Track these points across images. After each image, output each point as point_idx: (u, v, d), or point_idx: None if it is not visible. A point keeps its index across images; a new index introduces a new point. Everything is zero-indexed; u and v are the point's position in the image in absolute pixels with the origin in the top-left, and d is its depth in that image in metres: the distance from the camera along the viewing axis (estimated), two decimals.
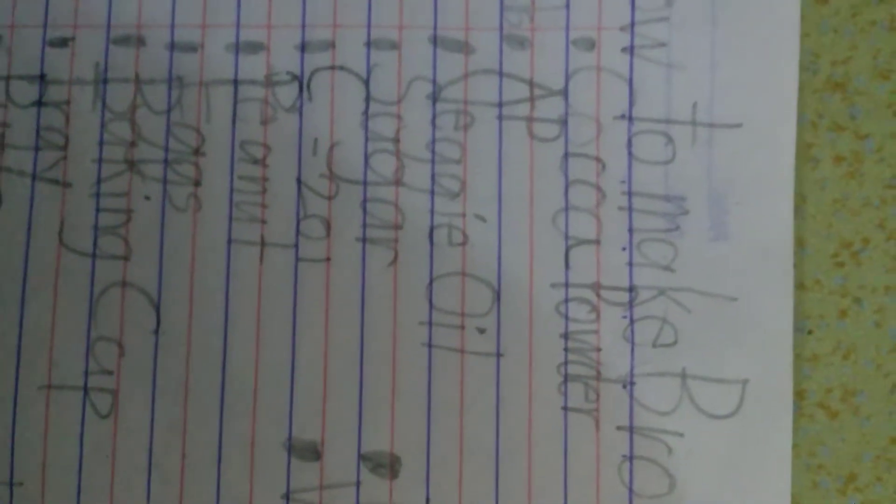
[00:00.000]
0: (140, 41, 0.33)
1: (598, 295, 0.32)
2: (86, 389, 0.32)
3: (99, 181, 0.33)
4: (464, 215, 0.32)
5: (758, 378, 0.31)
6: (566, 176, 0.32)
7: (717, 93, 0.32)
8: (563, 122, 0.32)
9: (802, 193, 0.33)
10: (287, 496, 0.31)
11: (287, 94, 0.33)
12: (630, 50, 0.33)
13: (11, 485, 0.32)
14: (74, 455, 0.32)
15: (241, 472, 0.32)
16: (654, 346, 0.32)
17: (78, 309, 0.32)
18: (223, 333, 0.32)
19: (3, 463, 0.32)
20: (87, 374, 0.32)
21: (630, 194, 0.32)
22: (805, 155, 0.33)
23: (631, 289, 0.32)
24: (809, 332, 0.33)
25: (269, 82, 0.33)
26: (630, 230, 0.32)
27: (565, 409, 0.32)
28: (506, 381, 0.32)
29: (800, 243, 0.33)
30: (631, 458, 0.31)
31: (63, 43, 0.33)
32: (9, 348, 0.32)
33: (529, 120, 0.32)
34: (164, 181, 0.33)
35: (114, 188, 0.33)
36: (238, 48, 0.33)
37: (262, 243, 0.32)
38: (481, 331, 0.32)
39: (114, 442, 0.32)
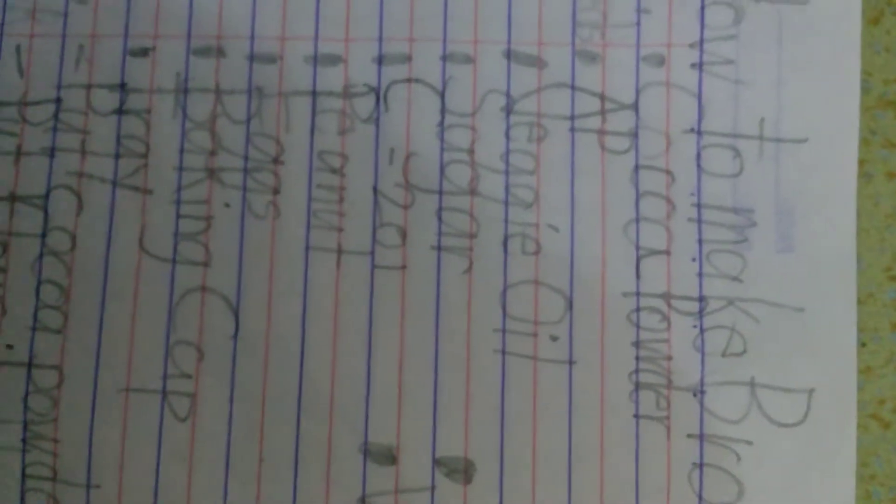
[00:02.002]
0: (220, 52, 0.31)
1: (669, 304, 0.30)
2: (164, 393, 0.30)
3: (179, 188, 0.31)
4: (537, 225, 0.30)
5: (823, 387, 0.30)
6: (637, 187, 0.30)
7: (784, 109, 0.31)
8: (634, 135, 0.30)
9: (856, 209, 0.31)
10: (362, 500, 0.29)
11: (364, 105, 0.31)
12: (699, 66, 0.31)
13: (88, 487, 0.30)
14: (152, 458, 0.30)
15: (318, 476, 0.29)
16: (723, 355, 0.30)
17: (157, 313, 0.30)
18: (300, 338, 0.30)
19: (81, 465, 0.30)
20: (165, 377, 0.30)
21: (699, 206, 0.30)
22: (858, 171, 0.31)
23: (701, 299, 0.30)
24: (863, 345, 0.31)
25: (347, 94, 0.31)
26: (699, 241, 0.30)
27: (637, 416, 0.29)
28: (578, 388, 0.30)
29: None
30: (701, 465, 0.29)
31: (143, 53, 0.31)
32: (89, 351, 0.30)
33: (601, 133, 0.30)
34: (244, 189, 0.30)
35: (194, 195, 0.31)
36: (317, 60, 0.31)
37: (339, 251, 0.30)
38: (554, 338, 0.30)
39: (191, 445, 0.30)
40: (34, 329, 0.30)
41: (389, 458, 0.29)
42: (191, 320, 0.30)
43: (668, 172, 0.30)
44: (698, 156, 0.30)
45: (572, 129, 0.31)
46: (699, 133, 0.30)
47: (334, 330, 0.30)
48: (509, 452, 0.29)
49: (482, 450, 0.29)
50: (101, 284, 0.30)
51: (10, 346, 0.30)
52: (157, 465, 0.30)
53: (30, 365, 0.30)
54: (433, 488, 0.29)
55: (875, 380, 0.31)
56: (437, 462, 0.29)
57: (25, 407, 0.30)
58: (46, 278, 0.30)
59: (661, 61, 0.31)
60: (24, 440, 0.30)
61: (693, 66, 0.31)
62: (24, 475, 0.30)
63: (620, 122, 0.31)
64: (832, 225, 0.30)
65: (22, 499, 0.30)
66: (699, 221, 0.30)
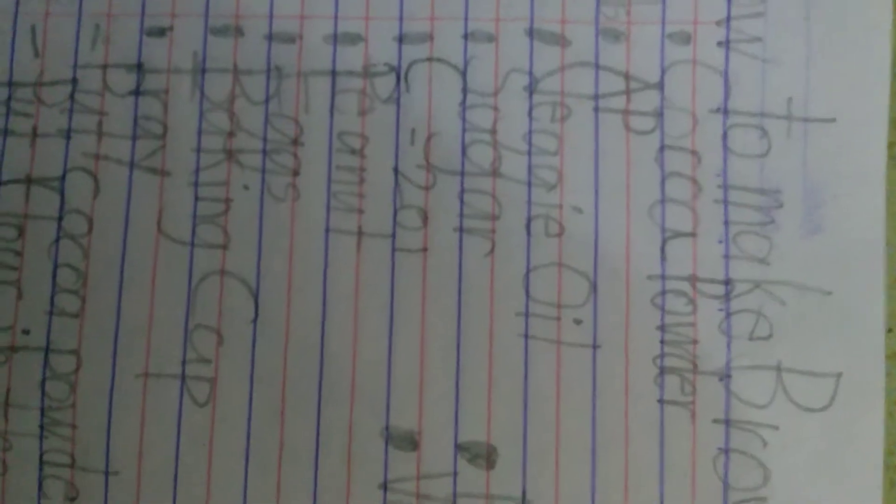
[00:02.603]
0: (238, 31, 0.30)
1: (695, 287, 0.29)
2: (183, 377, 0.29)
3: (197, 170, 0.29)
4: (561, 206, 0.29)
5: (850, 372, 0.28)
6: (662, 168, 0.29)
7: (812, 88, 0.29)
8: (659, 115, 0.29)
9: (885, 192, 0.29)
10: (384, 486, 0.28)
11: (385, 85, 0.30)
12: (725, 44, 0.29)
13: (107, 473, 0.29)
14: (171, 444, 0.29)
15: (339, 461, 0.28)
16: (750, 338, 0.28)
17: (176, 297, 0.29)
18: (321, 322, 0.29)
19: (99, 452, 0.29)
20: (184, 362, 0.29)
21: (725, 187, 0.29)
22: (887, 154, 0.30)
23: (727, 282, 0.29)
24: (890, 331, 0.29)
25: (367, 73, 0.30)
26: (726, 223, 0.29)
27: (661, 401, 0.28)
28: (602, 372, 0.28)
29: None
30: (726, 450, 0.28)
31: (161, 32, 0.30)
32: (107, 336, 0.29)
33: (625, 112, 0.29)
34: (263, 171, 0.29)
35: (212, 177, 0.29)
36: (336, 39, 0.30)
37: (360, 233, 0.29)
38: (578, 322, 0.29)
39: (211, 430, 0.29)
40: (51, 313, 0.29)
41: (411, 443, 0.28)
42: (210, 304, 0.29)
43: (694, 153, 0.29)
44: (725, 136, 0.29)
45: (596, 109, 0.29)
46: (726, 112, 0.29)
47: (355, 313, 0.29)
48: (532, 438, 0.28)
49: (505, 435, 0.28)
50: (118, 268, 0.29)
51: (26, 331, 0.29)
52: (177, 450, 0.29)
53: (47, 350, 0.29)
54: (455, 474, 0.28)
55: None
56: (459, 447, 0.28)
57: (43, 393, 0.29)
58: (63, 262, 0.29)
59: (686, 39, 0.29)
60: (41, 426, 0.29)
61: (720, 44, 0.29)
62: (41, 462, 0.29)
63: (645, 102, 0.29)
64: (860, 207, 0.29)
65: (40, 486, 0.29)
66: (725, 203, 0.29)
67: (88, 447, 0.29)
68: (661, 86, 0.29)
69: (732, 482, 0.28)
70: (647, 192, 0.29)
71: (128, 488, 0.28)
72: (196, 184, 0.29)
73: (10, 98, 0.30)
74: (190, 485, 0.28)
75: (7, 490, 0.29)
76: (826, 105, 0.29)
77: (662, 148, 0.29)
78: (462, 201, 0.29)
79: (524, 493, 0.28)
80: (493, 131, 0.29)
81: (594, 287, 0.29)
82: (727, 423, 0.28)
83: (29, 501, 0.29)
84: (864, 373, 0.28)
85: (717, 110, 0.29)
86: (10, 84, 0.30)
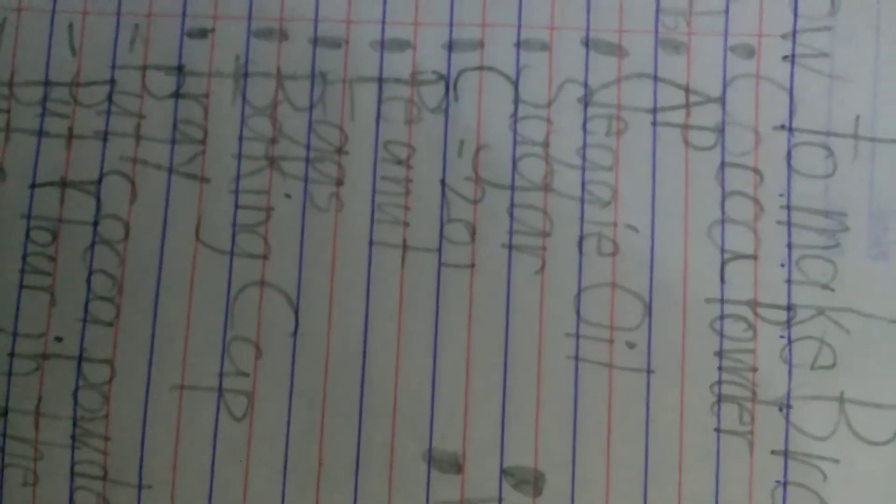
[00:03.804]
0: (282, 35, 0.27)
1: (755, 312, 0.26)
2: (220, 391, 0.26)
3: (238, 177, 0.27)
4: (615, 224, 0.26)
5: None
6: (723, 187, 0.26)
7: (880, 106, 0.27)
8: (720, 131, 0.27)
9: None
10: None
11: (433, 93, 0.27)
12: (791, 58, 0.27)
13: (140, 487, 0.26)
14: (207, 458, 0.26)
15: (380, 482, 0.26)
16: (812, 367, 0.26)
17: (214, 308, 0.27)
18: (363, 338, 0.26)
19: (133, 465, 0.26)
20: (222, 374, 0.27)
21: (789, 208, 0.26)
22: None
23: (789, 307, 0.26)
24: None
25: (415, 81, 0.27)
26: (789, 246, 0.26)
27: (718, 430, 0.26)
28: (656, 398, 0.26)
29: None
30: (785, 483, 0.26)
31: (202, 34, 0.28)
32: (142, 346, 0.27)
33: (685, 127, 0.27)
34: (306, 179, 0.27)
35: (253, 185, 0.27)
36: (383, 45, 0.27)
37: (405, 246, 0.27)
38: (631, 345, 0.26)
39: (248, 446, 0.26)
40: (85, 321, 0.27)
41: (455, 466, 0.26)
42: (249, 316, 0.27)
43: (757, 171, 0.26)
44: (789, 154, 0.27)
45: (654, 123, 0.27)
46: (790, 130, 0.27)
47: (398, 330, 0.26)
48: (581, 464, 0.26)
49: (553, 461, 0.26)
50: (155, 276, 0.27)
51: (59, 339, 0.27)
52: (212, 466, 0.26)
53: (80, 359, 0.27)
54: (500, 500, 0.26)
55: None
56: (504, 472, 0.26)
57: (75, 402, 0.27)
58: (98, 268, 0.27)
59: (750, 52, 0.27)
60: (73, 437, 0.27)
61: (785, 58, 0.27)
62: (73, 473, 0.27)
63: (706, 117, 0.27)
64: None
65: (71, 498, 0.26)
66: (788, 224, 0.26)
67: (121, 460, 0.26)
68: (722, 100, 0.27)
69: None
70: (707, 211, 0.26)
71: (161, 502, 0.26)
72: (236, 191, 0.27)
73: (45, 98, 0.28)
74: (225, 501, 0.26)
75: (38, 501, 0.27)
76: (895, 124, 0.27)
77: (723, 165, 0.27)
78: (512, 216, 0.27)
79: None
80: (546, 144, 0.27)
81: (649, 309, 0.26)
82: (786, 454, 0.26)
83: None
84: None
85: (782, 127, 0.27)
86: (46, 83, 0.28)
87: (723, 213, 0.26)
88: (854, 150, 0.26)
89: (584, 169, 0.27)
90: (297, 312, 0.27)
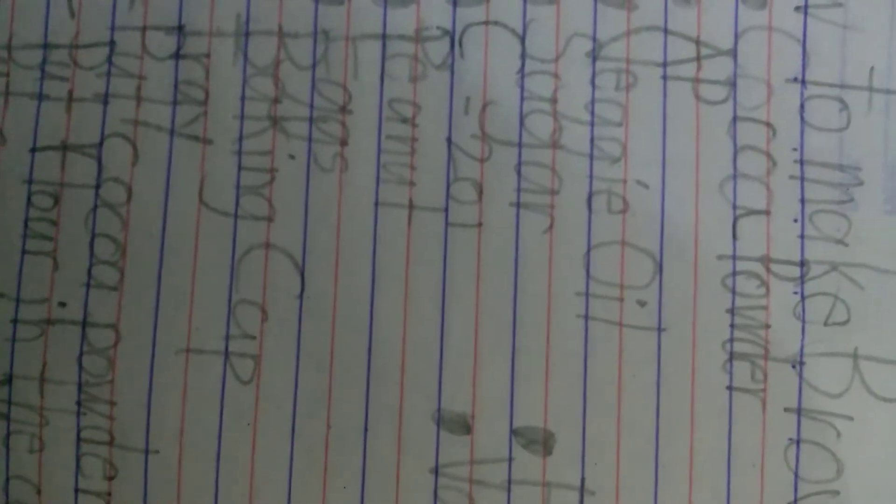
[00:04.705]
0: None
1: (768, 269, 0.25)
2: (227, 354, 0.25)
3: (241, 138, 0.26)
4: (625, 181, 0.25)
5: None
6: (735, 141, 0.25)
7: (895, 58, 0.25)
8: (732, 84, 0.25)
9: None
10: (436, 470, 0.25)
11: (438, 50, 0.26)
12: (804, 9, 0.25)
13: (147, 452, 0.25)
14: (213, 423, 0.25)
15: (388, 444, 0.25)
16: (825, 324, 0.25)
17: (219, 271, 0.26)
18: (370, 299, 0.25)
19: (139, 429, 0.25)
20: (228, 338, 0.25)
21: (802, 162, 0.25)
22: None
23: (802, 263, 0.25)
24: None
25: (419, 38, 0.26)
26: (802, 201, 0.25)
27: (730, 388, 0.25)
28: (667, 357, 0.25)
29: None
30: (798, 441, 0.25)
31: None
32: (147, 310, 0.26)
33: (696, 81, 0.25)
34: (310, 140, 0.26)
35: (256, 146, 0.26)
36: (386, 1, 0.26)
37: (411, 206, 0.25)
38: (642, 304, 0.25)
39: (255, 409, 0.25)
40: (88, 286, 0.26)
41: (464, 426, 0.25)
42: (254, 278, 0.26)
43: (769, 125, 0.25)
44: (802, 107, 0.25)
45: (664, 77, 0.25)
46: (803, 83, 0.25)
47: (405, 290, 0.25)
48: (592, 424, 0.25)
49: (563, 420, 0.25)
50: (158, 239, 0.26)
51: (63, 304, 0.26)
52: (219, 430, 0.25)
53: (84, 323, 0.26)
54: (510, 460, 0.25)
55: None
56: (514, 432, 0.25)
57: (80, 368, 0.26)
58: (101, 232, 0.26)
59: (762, 3, 0.25)
60: (78, 402, 0.26)
61: (797, 8, 0.25)
62: (79, 439, 0.26)
63: (717, 70, 0.25)
64: None
65: (77, 464, 0.25)
66: (802, 179, 0.25)
67: (127, 424, 0.25)
68: (734, 53, 0.25)
69: (804, 474, 0.25)
70: (718, 166, 0.25)
71: (168, 468, 0.25)
72: (239, 152, 0.26)
73: (44, 61, 0.26)
74: (233, 465, 0.25)
75: (44, 467, 0.26)
76: None
77: (735, 119, 0.25)
78: (519, 174, 0.25)
79: (583, 481, 0.25)
80: (554, 100, 0.25)
81: (660, 267, 0.25)
82: (799, 412, 0.25)
83: (66, 480, 0.26)
84: None
85: (794, 80, 0.25)
86: (45, 46, 0.26)
87: (735, 168, 0.25)
88: (868, 103, 0.25)
89: (592, 125, 0.25)
90: (302, 274, 0.25)
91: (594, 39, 0.26)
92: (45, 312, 0.26)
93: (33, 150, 0.26)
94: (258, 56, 0.26)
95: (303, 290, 0.25)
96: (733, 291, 0.25)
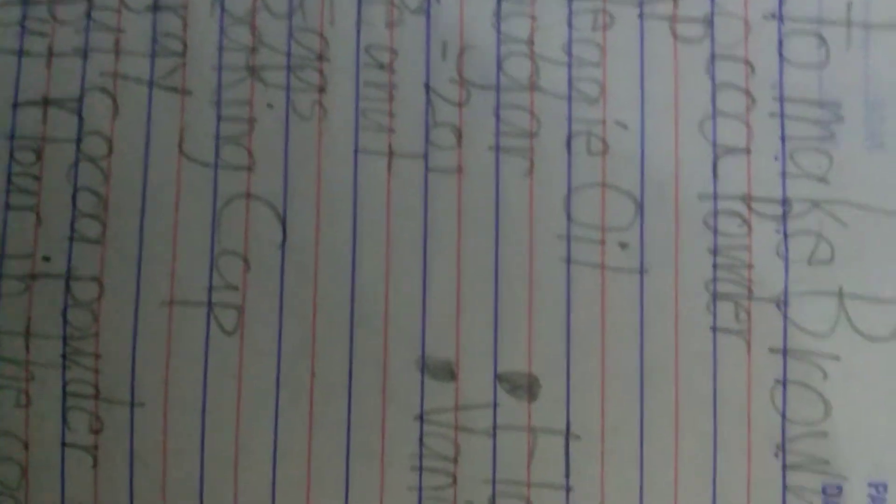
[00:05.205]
0: None
1: (750, 207, 0.24)
2: (210, 305, 0.25)
3: (220, 88, 0.25)
4: (604, 122, 0.25)
5: None
6: (713, 79, 0.25)
7: None
8: (709, 22, 0.25)
9: None
10: (421, 417, 0.25)
11: None
12: None
13: (133, 405, 0.25)
14: (198, 374, 0.25)
15: (373, 391, 0.25)
16: (809, 262, 0.24)
17: (200, 222, 0.25)
18: (351, 247, 0.25)
19: (124, 382, 0.25)
20: (211, 289, 0.25)
21: (782, 100, 0.24)
22: None
23: (784, 201, 0.24)
24: None
25: None
26: (782, 138, 0.24)
27: (714, 329, 0.24)
28: (650, 299, 0.24)
29: None
30: (784, 382, 0.24)
31: None
32: (129, 262, 0.25)
33: (673, 19, 0.25)
34: (288, 88, 0.25)
35: (235, 95, 0.25)
36: None
37: (390, 153, 0.25)
38: (623, 245, 0.25)
39: (240, 360, 0.25)
40: (72, 239, 0.25)
41: (448, 373, 0.25)
42: (235, 229, 0.25)
43: (748, 63, 0.25)
44: (780, 44, 0.25)
45: (641, 16, 0.25)
46: (780, 19, 0.25)
47: (387, 237, 0.25)
48: (576, 368, 0.24)
49: (547, 365, 0.24)
50: (140, 191, 0.25)
51: (46, 258, 0.25)
52: (204, 381, 0.25)
53: (68, 277, 0.25)
54: (495, 405, 0.24)
55: None
56: (498, 378, 0.25)
57: (65, 321, 0.25)
58: (83, 185, 0.26)
59: None
60: (63, 356, 0.25)
61: None
62: (65, 393, 0.25)
63: (694, 7, 0.25)
64: None
65: (64, 418, 0.25)
66: (781, 116, 0.24)
67: (113, 378, 0.25)
68: None
69: (790, 415, 0.24)
70: (697, 105, 0.25)
71: (154, 420, 0.25)
72: (218, 103, 0.25)
73: (24, 17, 0.26)
74: (219, 416, 0.25)
75: (31, 422, 0.25)
76: (889, 9, 0.25)
77: (713, 57, 0.25)
78: (498, 118, 0.25)
79: (568, 425, 0.24)
80: (531, 42, 0.25)
81: (641, 208, 0.25)
82: (785, 352, 0.24)
83: (53, 434, 0.25)
84: None
85: (772, 16, 0.25)
86: (25, 3, 0.26)
87: (714, 106, 0.25)
88: (847, 38, 0.25)
89: (570, 66, 0.25)
90: (284, 224, 0.25)
91: None
92: (30, 267, 0.25)
93: (15, 105, 0.26)
94: (235, 5, 0.26)
95: (284, 239, 0.25)
96: (715, 231, 0.24)
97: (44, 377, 0.25)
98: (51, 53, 0.26)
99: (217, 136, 0.25)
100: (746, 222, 0.24)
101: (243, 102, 0.25)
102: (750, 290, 0.24)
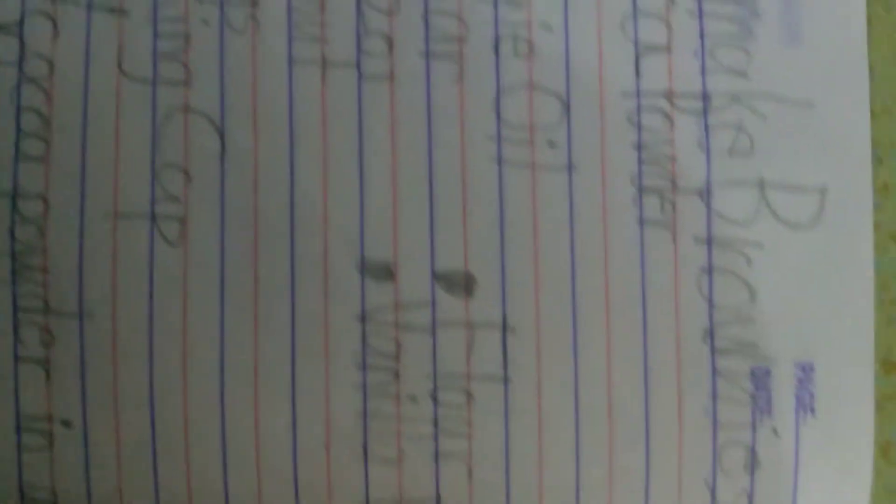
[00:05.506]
0: None
1: (672, 103, 0.25)
2: (153, 217, 0.26)
3: (155, 7, 0.26)
4: (529, 24, 0.25)
5: (836, 186, 0.25)
6: None
7: None
8: None
9: (867, 14, 0.26)
10: (362, 317, 0.25)
11: None
12: None
13: (81, 317, 0.26)
14: (144, 285, 0.25)
15: (315, 294, 0.25)
16: (730, 154, 0.25)
17: (141, 137, 0.26)
18: (289, 156, 0.25)
19: (72, 295, 0.26)
20: (153, 202, 0.26)
21: None
22: None
23: (705, 96, 0.25)
24: (880, 162, 0.26)
25: None
26: (701, 35, 0.25)
27: (641, 221, 0.25)
28: (578, 194, 0.25)
29: None
30: (710, 270, 0.25)
31: None
32: (73, 179, 0.26)
33: None
34: (221, 3, 0.26)
35: (170, 13, 0.26)
36: None
37: (324, 63, 0.26)
38: (552, 144, 0.25)
39: (184, 269, 0.25)
40: (17, 159, 0.26)
41: (387, 273, 0.25)
42: (176, 142, 0.26)
43: None
44: None
45: None
46: None
47: (324, 145, 0.25)
48: (511, 264, 0.25)
49: (482, 262, 0.25)
50: (81, 110, 0.26)
51: None
52: (151, 291, 0.25)
53: (14, 195, 0.26)
54: (434, 303, 0.25)
55: (894, 197, 0.26)
56: (436, 276, 0.25)
57: (13, 238, 0.26)
58: (26, 106, 0.26)
59: None
60: (13, 272, 0.26)
61: None
62: (15, 308, 0.26)
63: None
64: (841, 15, 0.25)
65: (16, 332, 0.26)
66: (700, 14, 0.25)
67: (61, 291, 0.26)
68: None
69: (717, 302, 0.25)
70: (619, 4, 0.25)
71: (103, 331, 0.25)
72: (154, 21, 0.26)
73: None
74: (166, 325, 0.25)
75: None
76: None
77: None
78: (427, 24, 0.25)
79: (504, 319, 0.25)
80: None
81: (567, 107, 0.25)
82: (710, 241, 0.25)
83: (6, 349, 0.26)
84: (850, 187, 0.25)
85: None
86: None
87: (634, 5, 0.25)
88: None
89: None
90: (222, 135, 0.26)
91: None
92: None
93: None
94: None
95: (223, 150, 0.26)
96: (639, 127, 0.25)
97: None
98: None
99: (154, 53, 0.26)
100: (669, 117, 0.25)
101: (179, 19, 0.26)
102: (674, 183, 0.25)
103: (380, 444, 0.25)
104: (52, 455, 0.25)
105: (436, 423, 0.25)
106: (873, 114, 0.26)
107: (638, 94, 0.25)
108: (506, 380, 0.25)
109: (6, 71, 0.26)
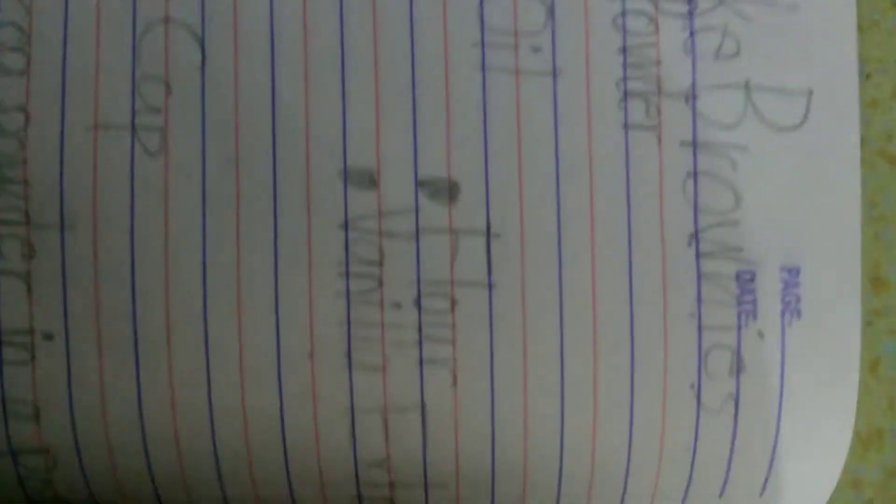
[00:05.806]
0: None
1: (656, 6, 0.25)
2: (133, 127, 0.25)
3: None
4: None
5: (822, 88, 0.24)
6: None
7: None
8: None
9: None
10: (345, 225, 0.25)
11: None
12: None
13: (63, 228, 0.25)
14: (125, 196, 0.25)
15: (298, 204, 0.25)
16: (716, 57, 0.25)
17: (121, 48, 0.25)
18: (270, 65, 0.25)
19: (53, 207, 0.25)
20: (134, 112, 0.25)
21: None
22: None
23: None
24: (868, 77, 0.26)
25: None
26: None
27: (626, 125, 0.25)
28: (563, 100, 0.25)
29: None
30: (695, 173, 0.24)
31: None
32: (54, 91, 0.25)
33: None
34: None
35: None
36: None
37: None
38: (536, 49, 0.25)
39: (165, 180, 0.25)
40: None
41: (370, 181, 0.25)
42: (156, 53, 0.25)
43: None
44: None
45: None
46: None
47: (304, 54, 0.25)
48: (494, 170, 0.25)
49: (466, 169, 0.25)
50: (61, 23, 0.25)
51: None
52: (132, 202, 0.25)
53: None
54: (417, 210, 0.25)
55: (882, 113, 0.26)
56: (419, 183, 0.25)
57: None
58: (5, 21, 0.26)
59: None
60: None
61: None
62: None
63: None
64: None
65: None
66: None
67: (42, 203, 0.25)
68: None
69: (703, 205, 0.24)
70: None
71: (84, 242, 0.25)
72: None
73: None
74: (147, 236, 0.25)
75: None
76: None
77: None
78: None
79: (488, 225, 0.25)
80: None
81: (551, 11, 0.25)
82: (695, 145, 0.24)
83: None
84: (836, 89, 0.24)
85: None
86: None
87: None
88: None
89: None
90: (203, 46, 0.25)
91: None
92: None
93: None
94: None
95: (204, 61, 0.25)
96: (624, 30, 0.25)
97: None
98: None
99: None
100: (654, 21, 0.25)
101: None
102: (659, 87, 0.25)
103: (364, 351, 0.24)
104: (34, 368, 0.25)
105: (420, 329, 0.24)
106: (861, 28, 0.25)
107: None
108: (490, 286, 0.24)
109: None
